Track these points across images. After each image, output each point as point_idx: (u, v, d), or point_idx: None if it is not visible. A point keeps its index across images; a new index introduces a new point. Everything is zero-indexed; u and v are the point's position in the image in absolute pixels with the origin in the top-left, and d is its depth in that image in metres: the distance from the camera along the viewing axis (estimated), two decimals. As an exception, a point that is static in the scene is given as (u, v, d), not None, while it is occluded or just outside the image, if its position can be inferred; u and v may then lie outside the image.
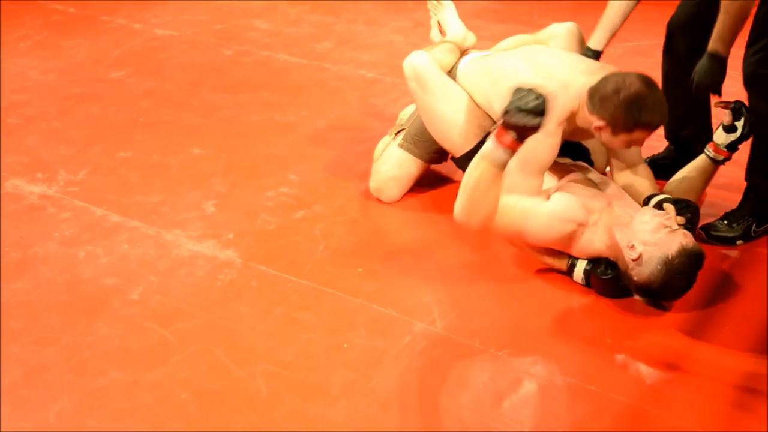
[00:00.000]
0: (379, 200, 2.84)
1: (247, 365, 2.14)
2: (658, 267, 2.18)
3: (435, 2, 3.09)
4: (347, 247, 2.61)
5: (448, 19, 3.05)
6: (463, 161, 2.66)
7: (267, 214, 2.80)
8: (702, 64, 2.44)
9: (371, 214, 2.81)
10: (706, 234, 2.60)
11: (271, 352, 2.19)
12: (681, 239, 2.20)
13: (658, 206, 2.38)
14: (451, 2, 3.07)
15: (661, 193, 2.52)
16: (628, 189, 2.53)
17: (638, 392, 2.05)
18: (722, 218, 2.62)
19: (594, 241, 2.35)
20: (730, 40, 2.38)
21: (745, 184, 2.63)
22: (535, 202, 2.38)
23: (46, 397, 2.06)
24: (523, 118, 2.11)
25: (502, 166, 2.22)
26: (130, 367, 2.15)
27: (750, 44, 2.47)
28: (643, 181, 2.55)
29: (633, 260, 2.22)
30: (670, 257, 2.17)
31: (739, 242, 2.60)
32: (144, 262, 2.57)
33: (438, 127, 2.71)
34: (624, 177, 2.58)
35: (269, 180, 3.00)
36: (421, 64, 2.72)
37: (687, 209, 2.35)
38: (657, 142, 2.90)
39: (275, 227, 2.73)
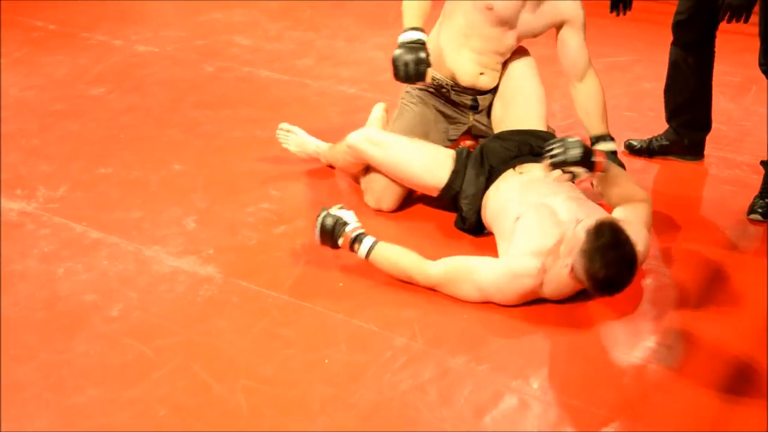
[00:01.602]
0: (364, 215, 2.84)
1: (227, 381, 2.13)
2: (581, 259, 2.20)
3: (283, 132, 3.12)
4: (328, 262, 2.60)
5: (306, 141, 3.10)
6: (446, 195, 2.72)
7: (248, 229, 2.79)
8: None
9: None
10: (762, 216, 2.80)
11: (251, 368, 2.18)
12: (585, 226, 2.24)
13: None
14: (297, 127, 3.13)
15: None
16: None
17: (621, 406, 2.06)
18: (761, 197, 2.83)
19: (565, 280, 2.34)
20: None
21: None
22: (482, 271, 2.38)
23: (22, 415, 2.04)
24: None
25: None
26: (108, 384, 2.13)
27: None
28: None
29: (570, 273, 2.26)
30: (583, 245, 2.20)
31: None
32: (124, 279, 2.56)
33: (409, 173, 2.75)
34: None
35: (250, 196, 2.99)
36: (366, 131, 2.83)
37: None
38: (658, 125, 3.04)
39: (256, 242, 2.73)
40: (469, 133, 3.07)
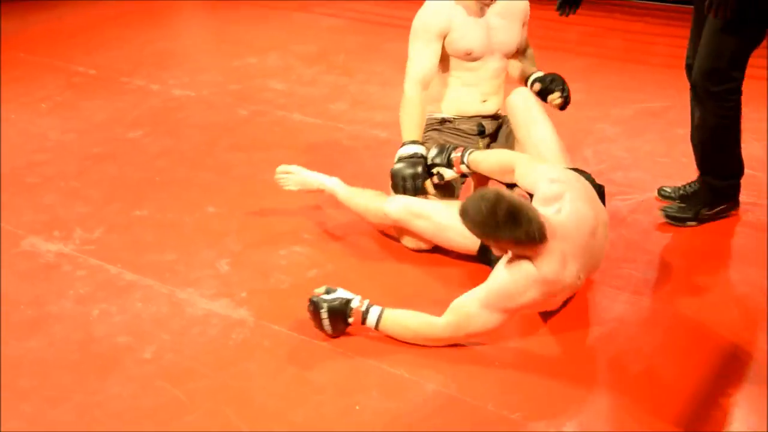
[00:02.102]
0: (392, 258, 2.85)
1: (258, 426, 2.13)
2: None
3: (283, 174, 3.10)
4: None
5: (306, 179, 3.09)
6: (482, 257, 2.74)
7: (280, 273, 2.81)
8: None
9: (384, 273, 2.81)
10: (664, 214, 3.01)
11: (282, 413, 2.18)
12: None
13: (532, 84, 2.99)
14: (297, 166, 3.13)
15: (537, 72, 3.03)
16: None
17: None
18: (681, 199, 3.06)
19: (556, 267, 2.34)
20: None
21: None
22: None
23: (56, 457, 2.06)
24: None
25: None
26: (141, 427, 2.14)
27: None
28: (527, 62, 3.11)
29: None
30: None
31: (690, 223, 2.99)
32: (157, 321, 2.58)
33: (447, 240, 2.77)
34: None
35: (282, 239, 3.02)
36: (404, 203, 2.79)
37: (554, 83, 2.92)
38: (692, 172, 3.07)
39: (288, 286, 2.74)
40: None
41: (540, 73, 3.05)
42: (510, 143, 3.02)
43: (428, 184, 2.82)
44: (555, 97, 2.97)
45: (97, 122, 4.06)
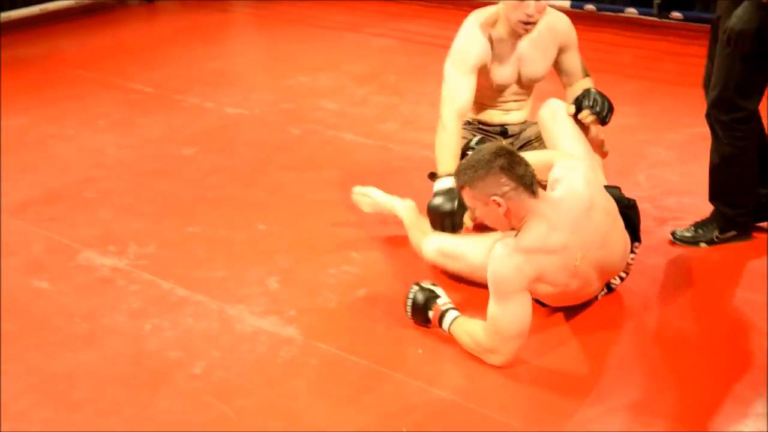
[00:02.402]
0: (443, 279, 2.85)
1: (304, 445, 2.14)
2: None
3: (358, 195, 3.14)
4: (408, 327, 2.60)
5: (380, 202, 3.12)
6: None
7: (329, 291, 2.83)
8: (739, 9, 2.62)
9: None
10: (674, 237, 3.02)
11: (329, 433, 2.19)
12: None
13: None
14: (371, 187, 3.17)
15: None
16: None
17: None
18: (693, 226, 3.03)
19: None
20: None
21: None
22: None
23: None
24: None
25: None
26: (189, 443, 2.17)
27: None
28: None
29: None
30: None
31: (702, 245, 2.99)
32: (207, 337, 2.61)
33: (482, 278, 2.68)
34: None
35: (332, 258, 3.03)
36: (437, 244, 2.81)
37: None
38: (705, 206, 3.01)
39: (336, 305, 2.76)
40: None
41: (585, 84, 3.04)
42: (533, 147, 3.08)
43: (466, 218, 2.81)
44: (585, 115, 2.87)
45: (152, 139, 4.15)
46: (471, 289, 2.73)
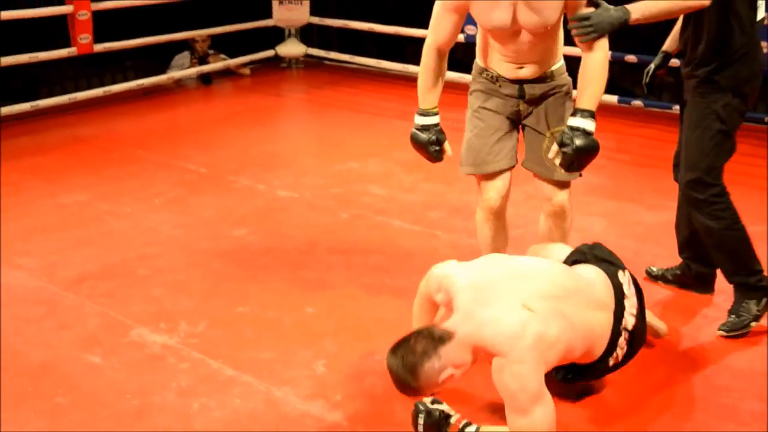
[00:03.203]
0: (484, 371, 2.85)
1: None
2: None
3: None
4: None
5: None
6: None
7: (375, 377, 2.84)
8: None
9: (478, 382, 2.81)
10: (725, 331, 3.05)
11: None
12: None
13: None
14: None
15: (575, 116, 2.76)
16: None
17: None
18: (729, 314, 3.08)
19: None
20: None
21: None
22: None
23: None
24: None
25: None
26: None
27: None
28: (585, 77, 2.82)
29: None
30: None
31: (752, 324, 3.05)
32: (254, 418, 2.64)
33: None
34: None
35: (378, 343, 3.05)
36: None
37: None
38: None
39: (383, 391, 2.76)
40: (518, 120, 3.07)
41: (575, 122, 2.72)
42: (545, 122, 3.00)
43: (447, 146, 3.04)
44: (554, 155, 2.78)
45: (205, 218, 4.26)
46: (473, 396, 2.73)
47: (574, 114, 2.76)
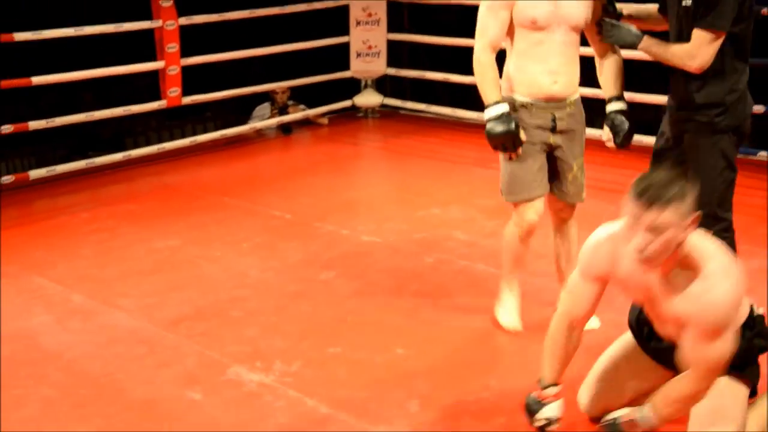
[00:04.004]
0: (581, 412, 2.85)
1: None
2: None
3: None
4: (550, 457, 2.61)
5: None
6: None
7: (470, 418, 2.87)
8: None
9: (574, 426, 2.81)
10: None
11: None
12: None
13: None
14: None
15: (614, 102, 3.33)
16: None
17: None
18: None
19: None
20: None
21: None
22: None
23: None
24: None
25: None
26: None
27: None
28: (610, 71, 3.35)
29: None
30: None
31: None
32: (352, 456, 2.69)
33: None
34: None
35: (469, 384, 3.09)
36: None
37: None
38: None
39: (478, 432, 2.80)
40: (551, 152, 3.38)
41: (616, 106, 3.31)
42: (575, 150, 3.37)
43: (522, 134, 3.21)
44: (608, 139, 3.35)
45: (292, 263, 4.37)
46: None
47: (612, 100, 3.32)
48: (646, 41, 3.17)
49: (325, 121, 7.45)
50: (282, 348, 3.43)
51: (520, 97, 3.28)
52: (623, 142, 3.30)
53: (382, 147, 6.96)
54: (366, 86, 7.59)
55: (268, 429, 2.85)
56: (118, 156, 6.05)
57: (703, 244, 2.37)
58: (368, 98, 7.59)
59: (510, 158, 3.30)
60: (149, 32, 6.11)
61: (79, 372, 3.27)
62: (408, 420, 2.88)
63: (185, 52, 6.18)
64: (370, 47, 7.39)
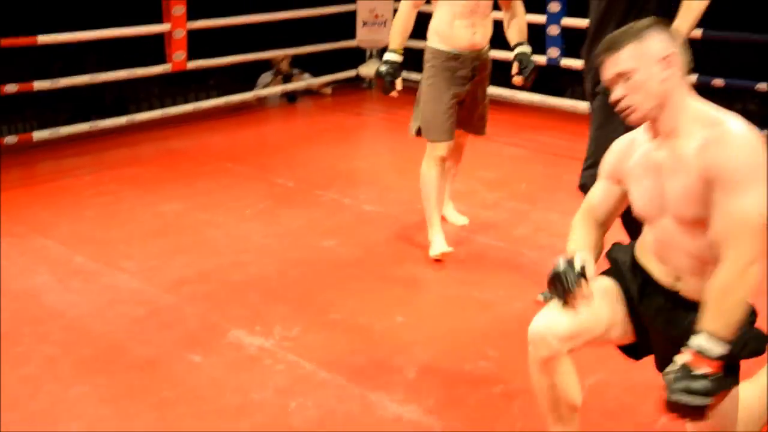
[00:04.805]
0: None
1: None
2: None
3: None
4: (545, 427, 2.64)
5: None
6: None
7: (466, 385, 2.91)
8: None
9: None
10: None
11: None
12: None
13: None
14: None
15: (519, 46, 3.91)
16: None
17: None
18: None
19: None
20: None
21: None
22: None
23: None
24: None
25: None
26: None
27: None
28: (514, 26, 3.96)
29: None
30: None
31: None
32: (349, 419, 2.73)
33: None
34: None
35: (468, 353, 3.12)
36: None
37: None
38: None
39: (475, 401, 2.83)
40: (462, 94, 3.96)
41: (521, 49, 3.87)
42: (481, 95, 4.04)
43: (397, 83, 3.85)
44: (515, 73, 3.87)
45: (294, 229, 4.39)
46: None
47: (518, 45, 3.89)
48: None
49: (328, 90, 7.43)
50: (282, 313, 3.46)
51: (446, 48, 3.88)
52: (529, 76, 3.83)
53: (385, 118, 6.95)
54: (371, 56, 7.57)
55: (267, 391, 2.89)
56: (122, 120, 6.05)
57: (705, 108, 2.05)
58: (373, 68, 7.55)
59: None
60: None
61: (80, 331, 3.31)
62: (405, 386, 2.91)
63: (190, 17, 6.15)
64: (377, 16, 7.35)
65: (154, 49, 6.21)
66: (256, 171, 5.32)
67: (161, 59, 6.16)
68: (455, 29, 3.83)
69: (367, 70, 7.54)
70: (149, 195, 4.85)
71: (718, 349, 1.90)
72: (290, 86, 7.12)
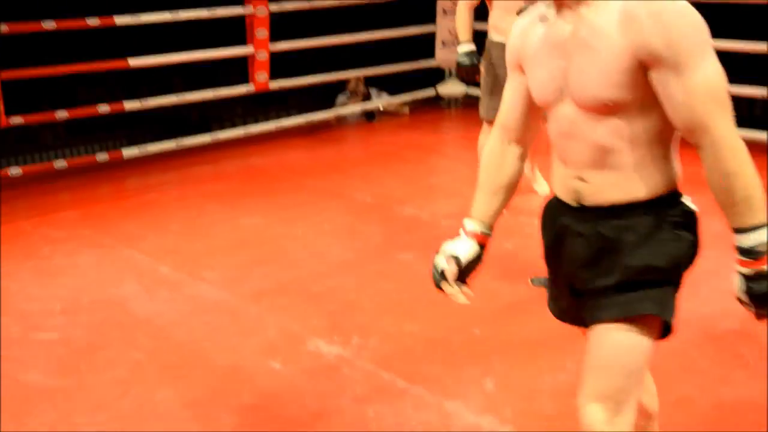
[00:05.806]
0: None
1: None
2: None
3: None
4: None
5: None
6: None
7: (544, 397, 2.88)
8: None
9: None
10: None
11: None
12: None
13: None
14: None
15: None
16: None
17: None
18: None
19: None
20: None
21: None
22: None
23: None
24: None
25: None
26: None
27: None
28: None
29: None
30: None
31: None
32: (426, 428, 2.73)
33: None
34: None
35: (546, 365, 3.09)
36: None
37: None
38: None
39: (554, 412, 2.79)
40: None
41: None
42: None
43: (481, 67, 4.38)
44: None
45: (373, 243, 4.43)
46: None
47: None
48: None
49: (406, 110, 7.49)
50: (360, 323, 3.50)
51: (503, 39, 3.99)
52: None
53: (464, 136, 6.94)
54: (450, 76, 7.60)
55: (345, 399, 2.92)
56: (206, 138, 6.23)
57: None
58: (452, 88, 7.59)
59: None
60: (239, 19, 6.24)
61: (166, 338, 3.41)
62: (483, 396, 2.90)
63: (273, 39, 6.31)
64: (456, 36, 7.39)
65: (237, 70, 6.39)
66: (334, 187, 5.40)
67: (244, 80, 6.33)
68: (507, 24, 4.04)
69: (446, 89, 7.57)
70: (231, 209, 4.97)
71: (761, 237, 1.68)
72: (369, 105, 7.21)
